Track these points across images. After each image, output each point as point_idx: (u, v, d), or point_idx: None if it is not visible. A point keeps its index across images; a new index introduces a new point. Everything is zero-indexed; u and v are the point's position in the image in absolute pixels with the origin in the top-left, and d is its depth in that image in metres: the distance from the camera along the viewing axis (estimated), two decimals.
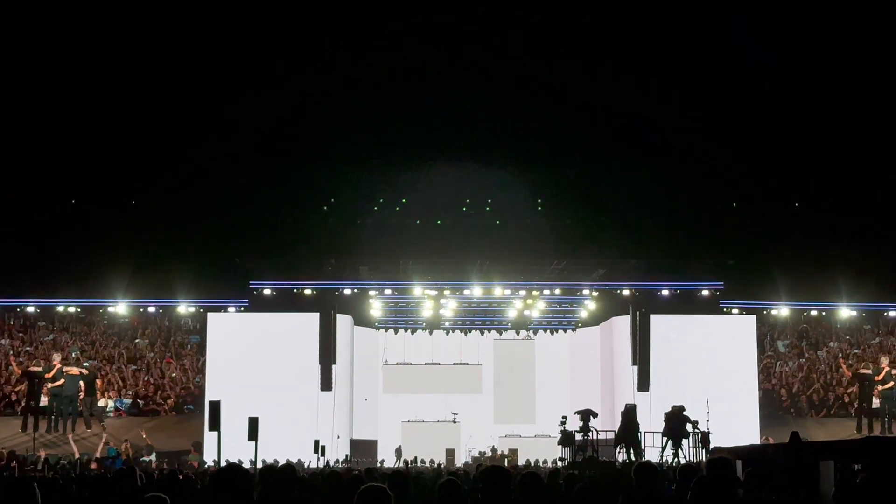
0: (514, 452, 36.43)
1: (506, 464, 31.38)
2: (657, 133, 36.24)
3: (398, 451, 36.57)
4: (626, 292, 37.98)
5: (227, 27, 35.04)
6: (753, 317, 38.02)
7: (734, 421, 33.02)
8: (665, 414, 29.26)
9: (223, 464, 19.52)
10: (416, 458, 35.38)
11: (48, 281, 36.06)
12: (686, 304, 37.59)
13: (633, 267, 37.87)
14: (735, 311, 38.30)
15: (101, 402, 34.98)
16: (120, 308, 37.18)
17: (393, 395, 40.42)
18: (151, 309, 37.47)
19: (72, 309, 37.47)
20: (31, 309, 37.01)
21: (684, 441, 28.68)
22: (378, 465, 32.94)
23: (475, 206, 37.22)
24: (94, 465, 28.06)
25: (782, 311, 38.49)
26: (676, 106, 36.35)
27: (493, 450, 36.66)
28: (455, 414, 39.06)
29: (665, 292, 37.69)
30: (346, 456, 34.60)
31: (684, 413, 28.94)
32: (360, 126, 36.76)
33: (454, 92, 36.48)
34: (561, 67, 35.22)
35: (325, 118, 36.63)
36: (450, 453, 35.96)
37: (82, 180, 35.59)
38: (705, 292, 37.67)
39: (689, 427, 28.76)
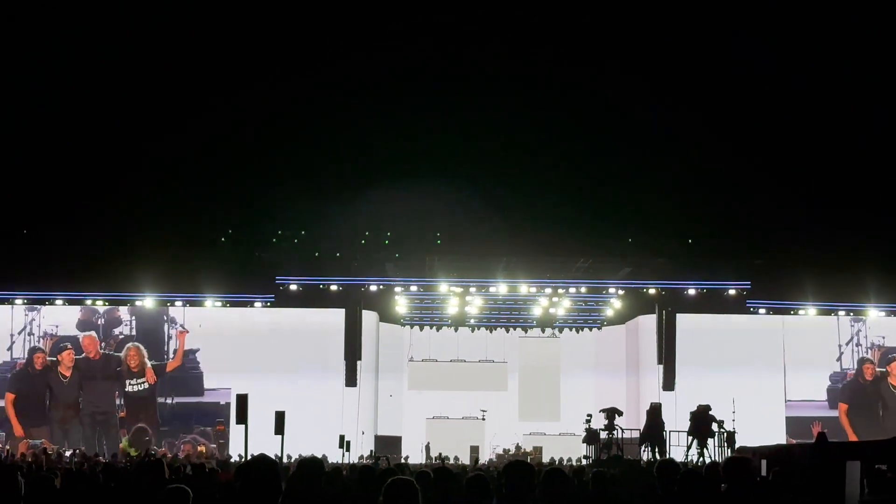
0: (538, 450, 36.40)
1: (529, 461, 31.36)
2: (685, 132, 36.09)
3: (427, 448, 36.57)
4: (652, 291, 37.90)
5: (257, 18, 35.15)
6: (780, 317, 37.88)
7: (760, 420, 32.91)
8: (690, 413, 29.16)
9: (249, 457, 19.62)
10: (440, 454, 35.41)
11: (77, 276, 36.18)
12: (712, 303, 37.47)
13: (660, 266, 37.75)
14: (762, 310, 38.10)
15: None
16: (147, 303, 37.23)
17: (418, 391, 40.44)
18: (179, 303, 37.54)
19: (100, 302, 37.60)
20: (59, 302, 37.07)
21: (710, 440, 28.57)
22: (403, 461, 32.98)
23: (499, 203, 37.17)
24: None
25: (809, 311, 38.25)
26: (705, 105, 36.21)
27: (518, 447, 36.69)
28: (484, 411, 39.04)
29: (691, 291, 37.56)
30: (371, 452, 34.67)
31: (710, 412, 28.82)
32: (385, 123, 36.79)
33: (483, 86, 36.47)
34: (589, 65, 35.16)
35: (352, 114, 36.66)
36: (474, 450, 35.97)
37: (110, 177, 35.78)
38: (732, 292, 37.52)
39: (714, 426, 28.65)
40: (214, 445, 34.56)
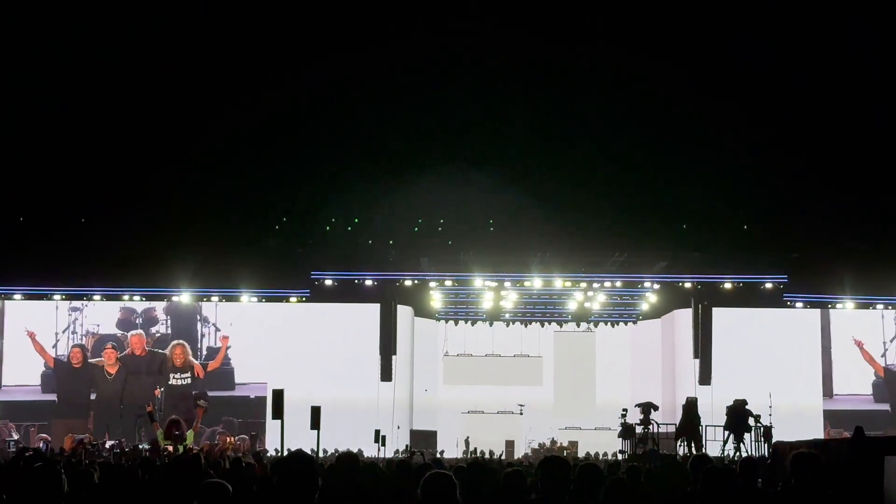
0: (573, 444, 36.41)
1: (564, 456, 31.36)
2: (721, 124, 35.83)
3: (466, 442, 36.54)
4: (688, 285, 37.78)
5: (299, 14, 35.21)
6: (817, 311, 37.65)
7: (797, 415, 32.72)
8: (727, 408, 29.02)
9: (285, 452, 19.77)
10: (475, 448, 35.49)
11: (114, 271, 36.63)
12: (749, 297, 37.29)
13: (696, 259, 37.61)
14: (799, 304, 37.85)
15: None
16: (184, 297, 37.61)
17: (453, 386, 40.51)
18: (215, 298, 37.85)
19: (137, 298, 37.96)
20: (97, 297, 37.53)
21: (746, 435, 28.43)
22: (438, 455, 33.06)
23: (534, 197, 37.08)
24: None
25: (847, 304, 37.94)
26: (741, 96, 35.92)
27: (553, 441, 36.69)
28: (522, 405, 39.04)
29: (728, 285, 37.39)
30: (407, 446, 34.78)
31: (746, 407, 28.67)
32: (420, 118, 36.74)
33: (519, 76, 36.33)
34: (626, 56, 34.97)
35: (385, 107, 36.66)
36: (509, 445, 35.99)
37: (146, 171, 36.02)
38: (769, 285, 37.31)
39: (751, 421, 28.51)
40: (243, 437, 34.82)
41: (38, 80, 33.90)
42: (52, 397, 36.77)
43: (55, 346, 37.06)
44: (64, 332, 37.18)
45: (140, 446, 30.26)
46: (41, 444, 31.50)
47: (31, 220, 35.58)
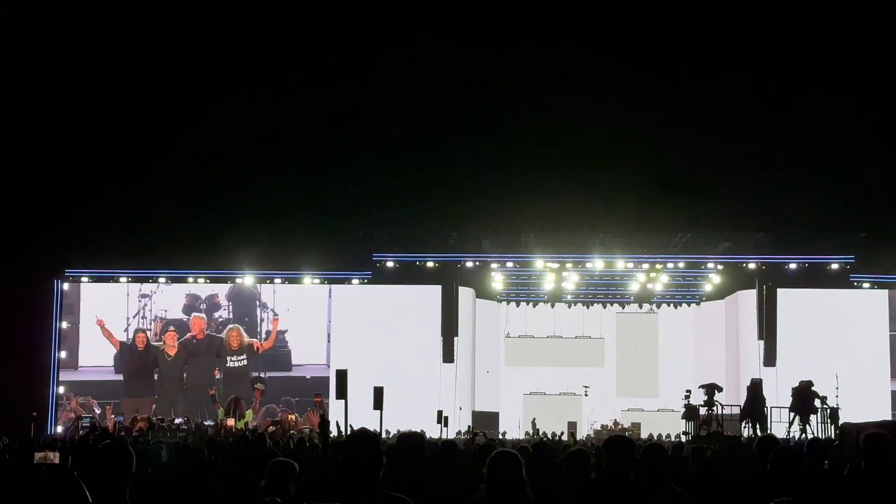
0: (636, 426, 36.26)
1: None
2: (785, 103, 35.31)
3: (533, 423, 36.48)
4: (752, 266, 37.41)
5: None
6: (885, 291, 37.08)
7: (864, 396, 32.31)
8: (792, 389, 28.78)
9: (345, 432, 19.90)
10: (538, 430, 35.45)
11: (179, 255, 37.29)
12: (814, 278, 36.85)
13: (760, 240, 37.21)
14: (866, 285, 37.29)
15: None
16: (247, 280, 38.14)
17: (514, 367, 40.53)
18: (278, 280, 38.28)
19: (201, 280, 38.52)
20: (162, 280, 38.25)
21: (812, 416, 28.16)
22: (501, 436, 33.11)
23: (596, 177, 36.84)
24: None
25: None
26: (806, 74, 35.37)
27: (616, 423, 36.56)
28: (587, 387, 38.93)
29: (793, 266, 36.97)
30: (469, 427, 34.87)
31: (812, 388, 28.40)
32: (488, 103, 36.61)
33: (584, 56, 36.07)
34: (695, 38, 34.62)
35: (446, 95, 36.59)
36: (572, 426, 35.91)
37: (210, 155, 36.34)
38: (835, 266, 36.81)
39: (817, 402, 28.23)
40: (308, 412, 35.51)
41: (103, 56, 34.24)
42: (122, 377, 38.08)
43: (126, 329, 38.28)
44: (134, 317, 38.51)
45: (205, 423, 32.81)
46: (115, 418, 33.85)
47: (96, 204, 36.05)
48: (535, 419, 36.46)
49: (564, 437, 30.56)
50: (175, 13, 33.44)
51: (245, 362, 37.78)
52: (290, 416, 34.74)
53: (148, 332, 38.07)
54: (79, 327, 38.39)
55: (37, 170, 34.80)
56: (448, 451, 9.50)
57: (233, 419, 33.07)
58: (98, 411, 36.50)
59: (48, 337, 37.72)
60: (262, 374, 37.49)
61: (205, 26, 33.84)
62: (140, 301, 38.58)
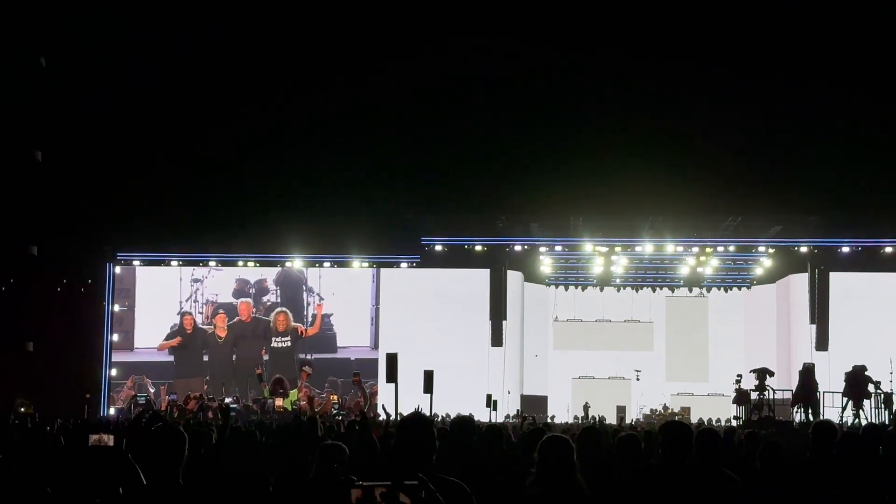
0: (686, 410, 36.09)
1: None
2: (838, 85, 34.81)
3: (585, 408, 36.36)
4: (804, 249, 37.05)
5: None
6: None
7: None
8: (846, 374, 28.42)
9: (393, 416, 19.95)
10: (587, 414, 35.38)
11: (229, 239, 37.68)
12: (868, 261, 36.39)
13: (812, 223, 36.78)
14: None
15: None
16: (296, 263, 38.48)
17: (563, 351, 40.41)
18: (326, 264, 38.53)
19: (251, 264, 38.93)
20: (213, 263, 38.84)
21: (866, 402, 27.82)
22: (549, 420, 33.08)
23: (645, 160, 36.58)
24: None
25: None
26: (860, 58, 34.87)
27: (665, 407, 36.39)
28: (638, 371, 38.74)
29: (845, 249, 36.53)
30: (518, 411, 34.87)
31: (866, 373, 28.04)
32: (539, 89, 36.46)
33: (631, 40, 35.82)
34: (739, 25, 34.24)
35: (499, 81, 36.46)
36: (621, 410, 35.78)
37: (261, 140, 36.56)
38: (889, 249, 36.32)
39: (871, 387, 27.87)
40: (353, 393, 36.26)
41: (150, 45, 34.51)
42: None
43: (179, 313, 39.28)
44: (187, 300, 39.43)
45: (251, 403, 35.06)
46: (169, 397, 36.21)
47: (148, 188, 36.39)
48: (587, 404, 36.32)
49: (612, 421, 30.51)
50: None
51: (289, 343, 38.67)
52: (332, 396, 36.11)
53: (195, 315, 39.07)
54: (134, 311, 39.25)
55: (89, 156, 35.22)
56: (495, 436, 9.50)
57: (280, 399, 34.64)
58: (152, 390, 37.72)
59: (101, 320, 38.39)
60: (309, 356, 38.17)
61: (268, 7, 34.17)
62: (192, 286, 39.45)
